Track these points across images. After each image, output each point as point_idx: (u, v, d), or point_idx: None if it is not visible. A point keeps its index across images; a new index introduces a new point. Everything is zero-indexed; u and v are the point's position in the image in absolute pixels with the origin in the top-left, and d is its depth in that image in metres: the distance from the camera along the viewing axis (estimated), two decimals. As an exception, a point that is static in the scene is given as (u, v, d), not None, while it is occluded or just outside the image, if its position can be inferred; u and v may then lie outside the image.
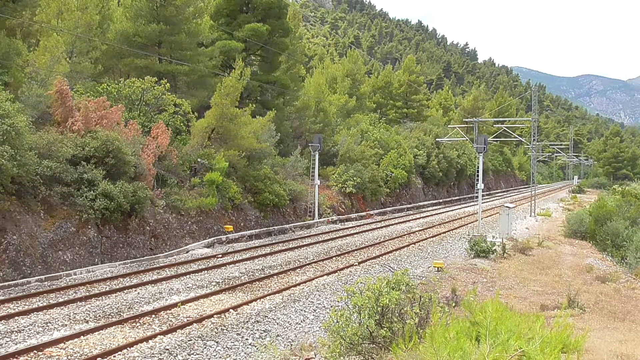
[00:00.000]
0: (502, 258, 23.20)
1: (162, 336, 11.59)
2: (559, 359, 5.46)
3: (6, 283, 15.08)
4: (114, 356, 10.39)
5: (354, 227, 32.74)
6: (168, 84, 26.35)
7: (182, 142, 26.30)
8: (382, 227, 32.85)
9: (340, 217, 35.03)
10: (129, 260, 19.20)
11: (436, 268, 19.69)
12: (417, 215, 41.03)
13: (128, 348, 10.75)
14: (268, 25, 33.91)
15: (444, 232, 31.45)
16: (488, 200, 59.84)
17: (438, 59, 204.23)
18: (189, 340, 11.37)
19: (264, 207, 28.21)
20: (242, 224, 26.63)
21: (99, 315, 12.99)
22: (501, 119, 66.00)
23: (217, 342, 11.37)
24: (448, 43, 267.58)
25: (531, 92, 56.69)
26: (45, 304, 13.64)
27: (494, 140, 62.11)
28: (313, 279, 17.72)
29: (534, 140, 47.06)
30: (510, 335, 5.60)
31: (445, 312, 8.08)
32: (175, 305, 13.92)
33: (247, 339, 11.69)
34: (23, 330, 11.71)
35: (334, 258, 21.84)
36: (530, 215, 43.25)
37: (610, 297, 17.21)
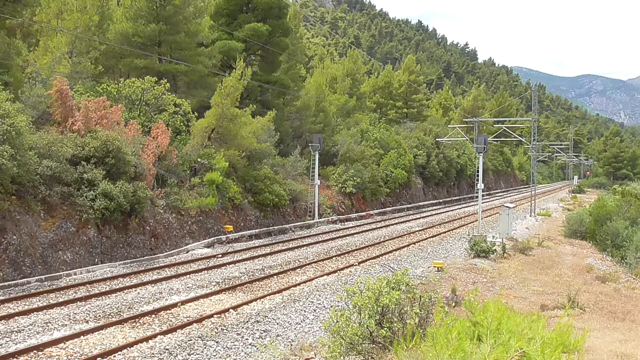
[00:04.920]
0: (502, 258, 23.19)
1: (162, 336, 11.59)
2: (560, 359, 5.46)
3: (6, 283, 15.08)
4: (114, 356, 10.39)
5: (354, 227, 32.74)
6: (168, 84, 26.35)
7: (182, 142, 26.30)
8: (382, 227, 32.85)
9: (340, 217, 35.02)
10: (129, 260, 19.20)
11: (436, 268, 19.67)
12: (417, 215, 41.02)
13: (128, 348, 10.75)
14: (268, 25, 33.88)
15: (444, 232, 31.44)
16: (488, 200, 59.85)
17: (438, 59, 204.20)
18: (189, 340, 11.37)
19: (264, 207, 28.21)
20: (242, 224, 26.63)
21: (99, 315, 12.99)
22: (501, 119, 65.99)
23: (217, 342, 11.37)
24: (448, 43, 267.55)
25: (531, 92, 56.69)
26: (45, 304, 13.65)
27: (494, 140, 62.13)
28: (313, 279, 17.72)
29: (534, 140, 47.05)
30: (511, 335, 5.59)
31: (446, 312, 8.07)
32: (175, 305, 13.92)
33: (247, 339, 11.69)
34: (23, 330, 11.71)
35: (334, 258, 21.83)
36: (530, 215, 43.23)
37: (610, 297, 17.21)
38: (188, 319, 12.89)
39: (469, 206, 50.22)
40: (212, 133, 26.92)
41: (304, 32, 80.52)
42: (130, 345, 10.88)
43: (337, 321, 8.42)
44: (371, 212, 38.88)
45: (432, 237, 29.33)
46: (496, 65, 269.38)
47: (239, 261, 20.52)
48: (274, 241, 25.78)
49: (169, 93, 26.39)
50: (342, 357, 8.13)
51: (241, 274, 18.27)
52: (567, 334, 5.96)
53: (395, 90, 65.76)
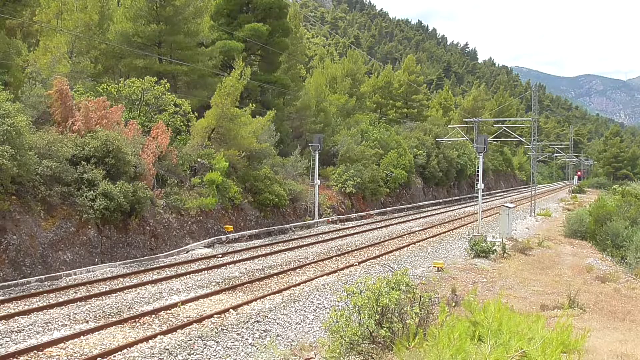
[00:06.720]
0: (502, 258, 23.19)
1: (162, 336, 11.59)
2: (560, 359, 5.46)
3: (6, 283, 15.08)
4: (114, 356, 10.39)
5: (354, 227, 32.73)
6: (168, 84, 26.35)
7: (182, 142, 26.30)
8: (382, 227, 32.84)
9: (340, 217, 35.02)
10: (129, 260, 19.20)
11: (436, 268, 19.68)
12: (417, 215, 41.02)
13: (128, 348, 10.75)
14: (268, 25, 33.89)
15: (444, 232, 31.44)
16: (488, 200, 59.84)
17: (438, 59, 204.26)
18: (189, 340, 11.37)
19: (264, 207, 28.20)
20: (242, 224, 26.62)
21: (99, 315, 12.99)
22: (501, 119, 66.02)
23: (217, 342, 11.37)
24: (448, 43, 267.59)
25: (531, 92, 56.73)
26: (45, 304, 13.64)
27: (494, 140, 62.12)
28: (313, 279, 17.72)
29: (534, 140, 47.07)
30: (511, 335, 5.59)
31: (446, 312, 8.07)
32: (175, 305, 13.92)
33: (247, 339, 11.69)
34: (23, 330, 11.71)
35: (334, 258, 21.83)
36: (530, 215, 43.24)
37: (610, 297, 17.21)
38: (188, 319, 12.89)
39: (469, 206, 50.21)
40: (212, 133, 26.92)
41: (304, 32, 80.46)
42: (130, 345, 10.88)
43: (337, 321, 8.43)
44: (371, 212, 38.87)
45: (432, 237, 29.32)
46: (496, 65, 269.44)
47: (239, 261, 20.52)
48: (274, 241, 25.78)
49: (169, 93, 26.39)
50: (342, 357, 8.13)
51: (241, 274, 18.27)
52: (567, 334, 5.96)
53: (395, 90, 65.75)
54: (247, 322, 12.83)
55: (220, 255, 21.40)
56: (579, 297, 15.28)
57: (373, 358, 7.96)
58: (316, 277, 17.99)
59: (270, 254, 22.37)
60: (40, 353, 10.41)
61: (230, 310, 13.71)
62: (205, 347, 11.05)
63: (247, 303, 14.42)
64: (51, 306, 13.47)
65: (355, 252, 23.57)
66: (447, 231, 32.00)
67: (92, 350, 10.60)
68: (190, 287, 16.08)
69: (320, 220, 32.35)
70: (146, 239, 20.77)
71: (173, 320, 12.82)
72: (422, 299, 8.60)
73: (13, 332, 11.55)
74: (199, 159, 25.59)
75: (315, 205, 32.22)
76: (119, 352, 10.53)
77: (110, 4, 30.66)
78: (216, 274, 18.12)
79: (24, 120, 16.68)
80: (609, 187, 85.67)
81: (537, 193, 47.64)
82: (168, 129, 23.94)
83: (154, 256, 20.28)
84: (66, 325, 12.16)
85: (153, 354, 10.54)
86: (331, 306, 12.94)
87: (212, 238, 23.83)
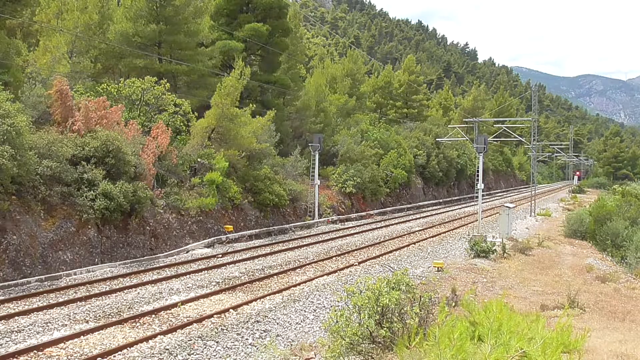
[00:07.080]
0: (502, 258, 23.19)
1: (162, 336, 11.59)
2: (560, 359, 5.46)
3: (6, 283, 15.08)
4: (114, 356, 10.39)
5: (354, 227, 32.73)
6: (168, 84, 26.35)
7: (182, 142, 26.30)
8: (382, 227, 32.84)
9: (340, 217, 35.01)
10: (129, 260, 19.20)
11: (436, 268, 19.68)
12: (417, 215, 41.02)
13: (128, 348, 10.75)
14: (268, 25, 33.90)
15: (444, 232, 31.43)
16: (488, 200, 59.84)
17: (438, 59, 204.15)
18: (189, 340, 11.37)
19: (264, 207, 28.20)
20: (242, 224, 26.62)
21: (99, 315, 12.99)
22: (501, 119, 65.96)
23: (217, 342, 11.37)
24: (448, 43, 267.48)
25: (531, 92, 56.74)
26: (45, 304, 13.65)
27: (494, 140, 62.04)
28: (313, 279, 17.72)
29: (534, 140, 47.07)
30: (511, 335, 5.59)
31: (446, 312, 8.07)
32: (175, 305, 13.92)
33: (247, 339, 11.69)
34: (23, 330, 11.71)
35: (334, 258, 21.83)
36: (530, 215, 43.24)
37: (610, 297, 17.21)
38: (188, 319, 12.89)
39: (468, 206, 50.21)
40: (212, 133, 26.92)
41: (304, 32, 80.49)
42: (130, 345, 10.88)
43: (337, 321, 8.42)
44: (371, 212, 38.87)
45: (432, 237, 29.32)
46: (496, 65, 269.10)
47: (239, 261, 20.52)
48: (274, 241, 25.78)
49: (169, 93, 26.39)
50: (342, 357, 8.13)
51: (241, 274, 18.27)
52: (568, 334, 5.96)
53: (395, 90, 65.74)
54: (247, 322, 12.83)
55: (220, 255, 21.40)
56: (579, 297, 15.28)
57: (373, 358, 7.96)
58: (316, 277, 17.99)
59: (270, 254, 22.37)
60: (40, 353, 10.41)
61: (230, 310, 13.72)
62: (205, 347, 11.05)
63: (247, 303, 14.42)
64: (51, 306, 13.48)
65: (355, 252, 23.57)
66: (447, 231, 32.00)
67: (92, 350, 10.60)
68: (190, 287, 16.08)
69: (320, 220, 32.35)
70: (146, 239, 20.77)
71: (173, 320, 12.82)
72: (422, 299, 8.59)
73: (13, 332, 11.55)
74: (199, 159, 25.59)
75: (315, 205, 32.21)
76: (119, 352, 10.53)
77: (110, 4, 30.66)
78: (216, 274, 18.12)
79: (24, 120, 16.69)
80: (609, 187, 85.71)
81: (537, 193, 47.65)
82: (168, 129, 23.94)
83: (154, 256, 20.28)
84: (66, 325, 12.16)
85: (153, 354, 10.55)
86: (331, 306, 12.92)
87: (212, 238, 23.83)
